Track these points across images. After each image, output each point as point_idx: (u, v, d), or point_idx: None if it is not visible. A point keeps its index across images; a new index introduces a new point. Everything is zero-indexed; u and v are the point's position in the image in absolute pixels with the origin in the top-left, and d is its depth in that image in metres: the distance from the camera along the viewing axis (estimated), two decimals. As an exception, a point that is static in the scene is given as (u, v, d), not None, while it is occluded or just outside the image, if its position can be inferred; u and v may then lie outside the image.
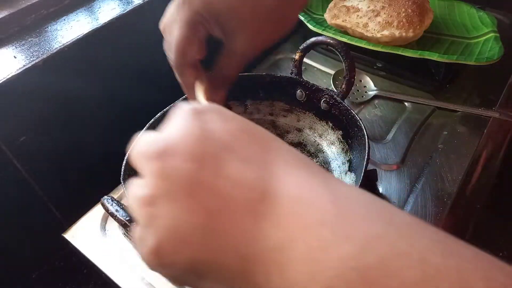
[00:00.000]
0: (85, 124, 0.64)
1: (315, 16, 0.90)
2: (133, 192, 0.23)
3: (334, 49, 0.57)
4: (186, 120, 0.22)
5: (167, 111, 0.56)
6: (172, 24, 0.35)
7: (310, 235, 0.19)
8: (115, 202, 0.43)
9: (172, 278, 0.24)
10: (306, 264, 0.18)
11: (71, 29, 0.60)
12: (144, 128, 0.54)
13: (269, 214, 0.20)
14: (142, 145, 0.23)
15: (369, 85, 0.78)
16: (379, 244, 0.18)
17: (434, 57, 0.72)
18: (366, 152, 0.49)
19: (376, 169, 0.60)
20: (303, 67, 0.63)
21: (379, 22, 0.77)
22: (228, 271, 0.20)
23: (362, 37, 0.80)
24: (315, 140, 0.62)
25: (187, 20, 0.33)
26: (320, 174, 0.22)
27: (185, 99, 0.58)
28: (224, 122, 0.23)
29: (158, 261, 0.21)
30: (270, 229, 0.19)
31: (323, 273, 0.18)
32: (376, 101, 0.76)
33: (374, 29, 0.77)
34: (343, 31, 0.84)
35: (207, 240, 0.20)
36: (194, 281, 0.22)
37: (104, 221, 0.58)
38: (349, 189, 0.22)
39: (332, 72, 0.81)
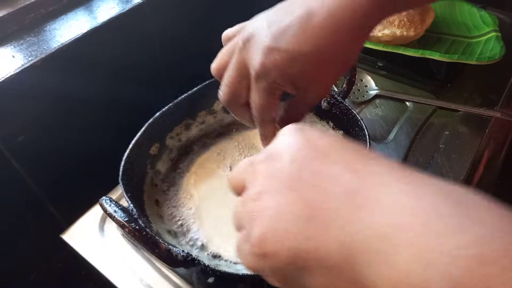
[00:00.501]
0: (84, 124, 0.64)
1: (315, 15, 0.90)
2: (239, 200, 0.26)
3: (334, 49, 0.56)
4: (290, 133, 0.26)
5: (166, 111, 0.56)
6: (239, 83, 0.39)
7: (420, 223, 0.19)
8: (114, 202, 0.43)
9: (273, 274, 0.24)
10: (418, 252, 0.18)
11: (70, 28, 0.59)
12: (143, 128, 0.53)
13: (370, 205, 0.21)
14: (248, 159, 0.27)
15: (370, 85, 0.77)
16: (499, 234, 0.18)
17: (435, 56, 0.71)
18: (367, 152, 0.49)
19: (377, 169, 0.60)
20: (303, 67, 0.63)
21: (380, 21, 0.77)
22: (329, 261, 0.21)
23: (362, 37, 0.79)
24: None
25: (267, 90, 0.36)
26: (418, 174, 0.23)
27: (185, 98, 0.57)
28: (322, 134, 0.26)
29: (261, 251, 0.23)
30: (373, 218, 0.20)
31: (439, 260, 0.18)
32: (377, 101, 0.75)
33: (375, 28, 0.77)
34: (344, 30, 0.84)
35: (308, 230, 0.21)
36: (294, 276, 0.22)
37: (103, 222, 0.57)
38: (451, 184, 0.23)
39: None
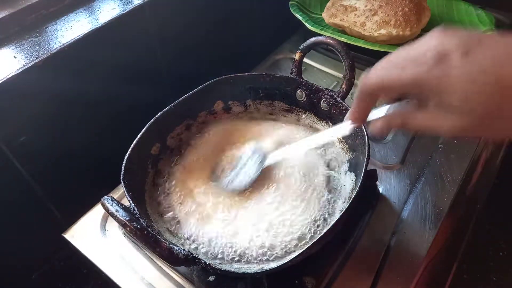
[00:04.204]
0: (86, 124, 0.64)
1: (313, 15, 0.90)
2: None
3: (334, 49, 0.57)
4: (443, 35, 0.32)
5: (167, 111, 0.56)
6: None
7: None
8: (115, 202, 0.43)
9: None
10: None
11: (71, 29, 0.60)
12: (144, 128, 0.53)
13: None
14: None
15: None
16: None
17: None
18: (366, 152, 0.49)
19: (376, 169, 0.60)
20: (303, 67, 0.63)
21: (376, 21, 0.77)
22: None
23: (359, 36, 0.80)
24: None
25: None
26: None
27: (185, 98, 0.58)
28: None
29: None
30: None
31: None
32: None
33: (372, 28, 0.77)
34: (341, 30, 0.84)
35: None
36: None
37: (104, 221, 0.57)
38: None
39: (332, 72, 0.81)
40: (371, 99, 0.38)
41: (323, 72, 0.83)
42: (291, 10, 0.87)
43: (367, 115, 0.40)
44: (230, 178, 0.55)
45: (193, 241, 0.51)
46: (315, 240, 0.43)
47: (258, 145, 0.58)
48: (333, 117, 0.60)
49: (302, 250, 0.42)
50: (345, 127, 0.44)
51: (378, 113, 0.40)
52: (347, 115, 0.42)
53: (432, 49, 0.31)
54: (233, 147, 0.60)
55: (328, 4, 0.87)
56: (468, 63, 0.30)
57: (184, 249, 0.42)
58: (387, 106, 0.40)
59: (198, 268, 0.50)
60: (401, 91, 0.35)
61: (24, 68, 0.53)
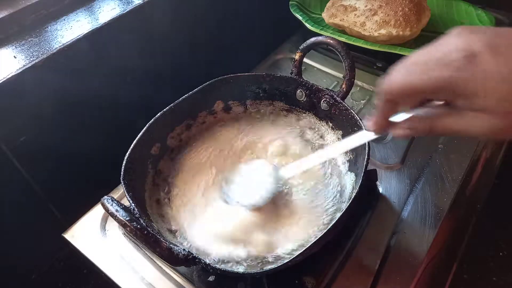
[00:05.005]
0: (85, 124, 0.64)
1: (313, 15, 0.90)
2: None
3: (334, 49, 0.57)
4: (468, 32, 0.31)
5: (167, 111, 0.56)
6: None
7: None
8: (115, 202, 0.43)
9: None
10: None
11: (71, 29, 0.60)
12: (144, 128, 0.53)
13: None
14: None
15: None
16: None
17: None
18: (366, 152, 0.49)
19: (376, 169, 0.60)
20: (303, 67, 0.63)
21: (376, 21, 0.77)
22: None
23: (359, 36, 0.80)
24: (316, 140, 0.62)
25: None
26: None
27: (185, 98, 0.58)
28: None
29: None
30: None
31: None
32: (376, 101, 0.76)
33: (372, 28, 0.77)
34: (341, 30, 0.84)
35: None
36: None
37: (104, 221, 0.57)
38: None
39: (332, 72, 0.81)
40: (394, 106, 0.37)
41: (323, 72, 0.83)
42: (291, 10, 0.87)
43: (390, 123, 0.38)
44: (239, 193, 0.53)
45: (193, 241, 0.51)
46: (315, 240, 0.43)
47: (271, 164, 0.55)
48: (333, 117, 0.60)
49: (302, 250, 0.42)
50: (366, 136, 0.42)
51: (400, 117, 0.38)
52: (368, 123, 0.40)
53: (458, 49, 0.30)
54: (238, 152, 0.60)
55: (328, 4, 0.87)
56: (498, 62, 0.29)
57: (184, 249, 0.42)
58: (410, 113, 0.37)
59: (198, 268, 0.50)
60: (428, 95, 0.34)
61: (24, 68, 0.53)
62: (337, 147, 0.48)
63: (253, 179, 0.54)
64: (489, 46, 0.30)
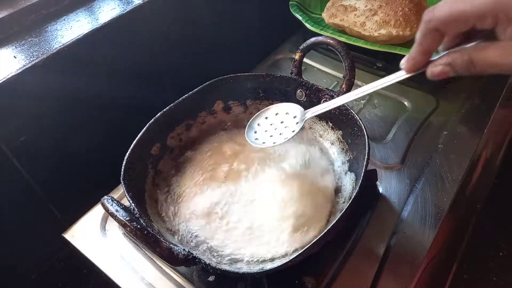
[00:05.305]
0: (85, 124, 0.64)
1: (313, 15, 0.90)
2: None
3: (334, 49, 0.57)
4: None
5: (167, 111, 0.56)
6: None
7: None
8: (115, 202, 0.43)
9: None
10: None
11: (71, 29, 0.60)
12: (144, 128, 0.53)
13: None
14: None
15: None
16: None
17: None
18: (366, 152, 0.49)
19: (376, 169, 0.60)
20: (303, 67, 0.63)
21: (376, 21, 0.77)
22: None
23: (359, 36, 0.80)
24: (316, 140, 0.62)
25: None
26: None
27: (185, 98, 0.58)
28: None
29: None
30: None
31: None
32: (376, 101, 0.76)
33: (372, 28, 0.77)
34: (341, 30, 0.84)
35: None
36: None
37: (104, 221, 0.58)
38: None
39: (332, 72, 0.81)
40: (437, 37, 0.34)
41: (323, 72, 0.83)
42: (291, 10, 0.87)
43: (429, 59, 0.35)
44: (259, 134, 0.53)
45: (193, 241, 0.51)
46: (315, 240, 0.43)
47: (292, 104, 0.55)
48: (333, 117, 0.60)
49: (302, 250, 0.42)
50: (400, 76, 0.39)
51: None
52: (403, 61, 0.37)
53: None
54: (238, 152, 0.60)
55: (328, 4, 0.87)
56: None
57: (184, 249, 0.42)
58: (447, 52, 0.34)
59: (198, 268, 0.50)
60: (477, 20, 0.31)
61: (24, 68, 0.53)
62: (368, 87, 0.45)
63: (276, 121, 0.54)
64: None
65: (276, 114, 0.55)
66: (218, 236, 0.50)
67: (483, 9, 0.30)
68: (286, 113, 0.54)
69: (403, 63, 0.37)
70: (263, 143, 0.52)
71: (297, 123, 0.52)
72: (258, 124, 0.55)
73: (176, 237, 0.51)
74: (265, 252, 0.48)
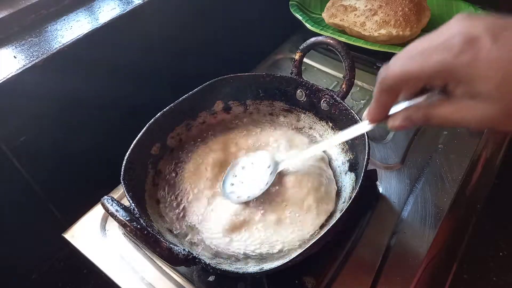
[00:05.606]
0: (85, 124, 0.64)
1: (313, 15, 0.90)
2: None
3: (334, 49, 0.57)
4: (467, 19, 0.31)
5: (167, 111, 0.56)
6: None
7: None
8: (115, 202, 0.43)
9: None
10: None
11: (71, 29, 0.60)
12: (144, 128, 0.53)
13: None
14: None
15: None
16: None
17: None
18: (366, 152, 0.49)
19: (376, 169, 0.60)
20: (303, 67, 0.63)
21: (376, 21, 0.77)
22: None
23: (359, 36, 0.80)
24: (316, 140, 0.62)
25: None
26: None
27: (185, 98, 0.58)
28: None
29: None
30: None
31: None
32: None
33: (372, 28, 0.77)
34: (341, 30, 0.84)
35: None
36: None
37: (104, 221, 0.58)
38: None
39: (332, 72, 0.81)
40: (393, 94, 0.35)
41: (323, 72, 0.83)
42: (291, 10, 0.87)
43: (387, 113, 0.37)
44: (235, 187, 0.54)
45: (194, 241, 0.51)
46: (315, 240, 0.43)
47: (266, 153, 0.57)
48: (333, 117, 0.60)
49: (302, 250, 0.42)
50: (363, 127, 0.41)
51: (397, 109, 0.37)
52: (365, 114, 0.39)
53: (458, 33, 0.30)
54: (237, 152, 0.60)
55: (328, 4, 0.87)
56: (498, 47, 0.28)
57: (184, 249, 0.42)
58: (406, 103, 0.36)
59: (198, 268, 0.50)
60: (426, 81, 0.32)
61: (24, 68, 0.53)
62: (333, 139, 0.50)
63: (251, 172, 0.55)
64: (489, 31, 0.29)
65: (252, 163, 0.56)
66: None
67: (432, 72, 0.31)
68: (262, 162, 0.55)
69: (365, 115, 0.39)
70: (238, 197, 0.53)
71: (270, 173, 0.53)
72: (235, 175, 0.56)
73: (176, 237, 0.51)
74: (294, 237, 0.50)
